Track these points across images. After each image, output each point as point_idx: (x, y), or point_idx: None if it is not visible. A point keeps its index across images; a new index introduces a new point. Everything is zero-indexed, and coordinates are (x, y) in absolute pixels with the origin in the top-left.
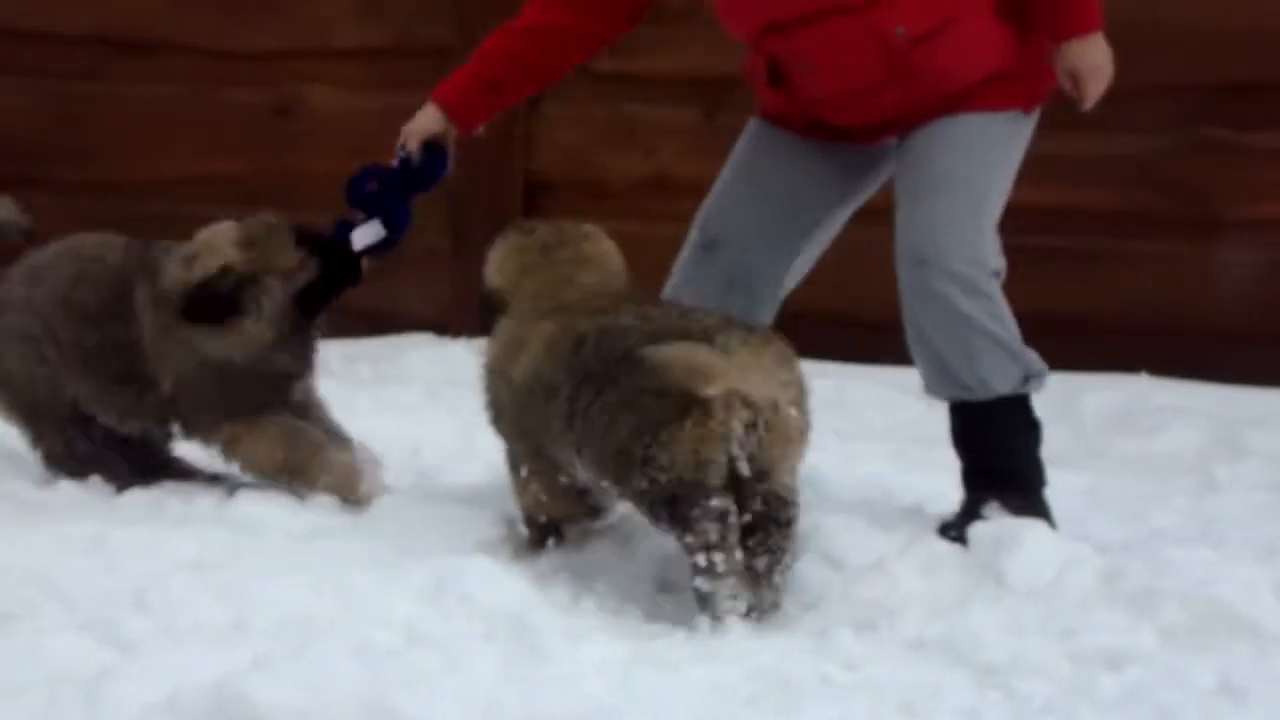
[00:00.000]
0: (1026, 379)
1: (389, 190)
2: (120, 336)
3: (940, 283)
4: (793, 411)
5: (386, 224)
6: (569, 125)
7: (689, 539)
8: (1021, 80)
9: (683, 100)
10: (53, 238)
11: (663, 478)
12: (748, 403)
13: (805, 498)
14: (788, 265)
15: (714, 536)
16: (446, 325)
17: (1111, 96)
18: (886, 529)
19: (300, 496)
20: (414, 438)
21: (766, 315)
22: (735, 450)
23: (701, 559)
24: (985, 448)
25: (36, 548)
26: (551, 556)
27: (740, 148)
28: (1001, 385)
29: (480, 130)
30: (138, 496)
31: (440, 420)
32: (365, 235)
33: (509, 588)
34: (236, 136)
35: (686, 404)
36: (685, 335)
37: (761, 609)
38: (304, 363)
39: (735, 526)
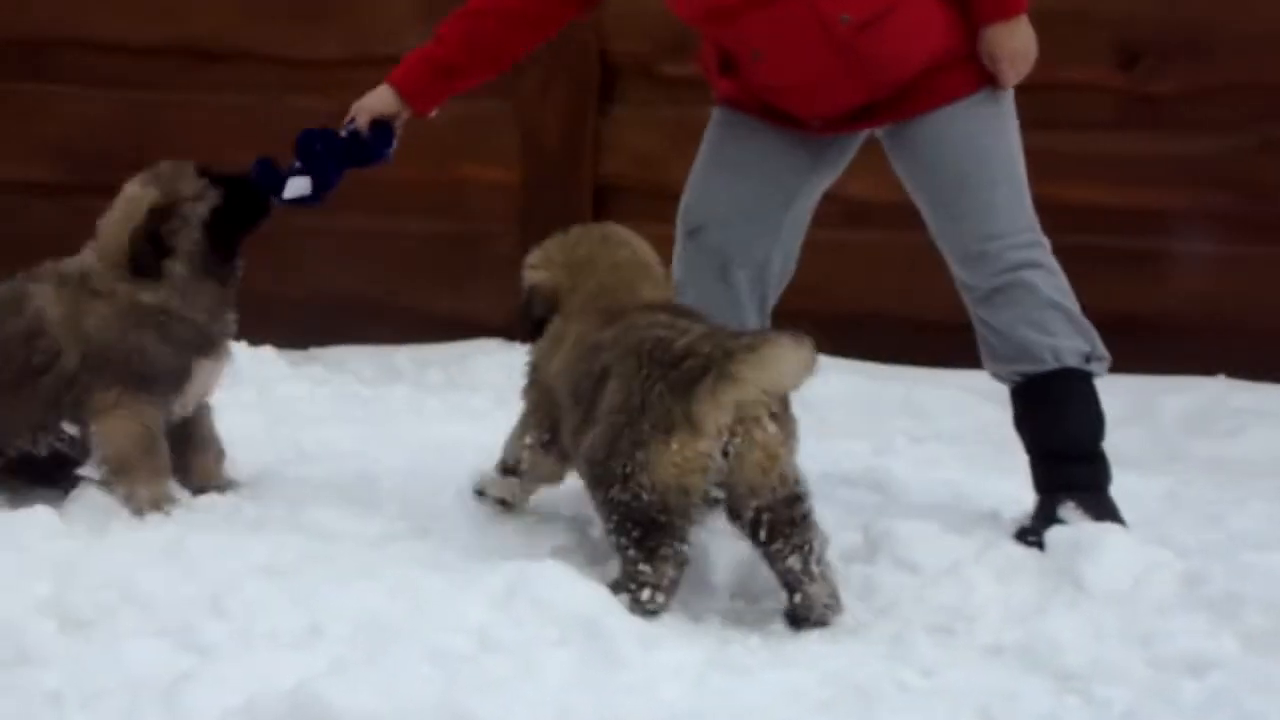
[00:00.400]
0: (1090, 357)
1: (330, 155)
2: (11, 331)
3: (1007, 267)
4: (771, 428)
5: (316, 183)
6: (638, 129)
7: (644, 569)
8: (975, 61)
9: None
10: None
11: (645, 495)
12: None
13: (875, 500)
14: (772, 241)
15: (666, 581)
16: (516, 331)
17: (1187, 97)
18: (961, 533)
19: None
20: (484, 443)
21: (762, 300)
22: (711, 477)
23: (645, 594)
24: (1052, 425)
25: (114, 553)
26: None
27: (707, 136)
28: (1071, 357)
29: (434, 113)
30: (212, 502)
31: (509, 425)
32: (295, 187)
33: (582, 592)
34: None
35: (672, 425)
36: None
37: (818, 610)
38: (220, 323)
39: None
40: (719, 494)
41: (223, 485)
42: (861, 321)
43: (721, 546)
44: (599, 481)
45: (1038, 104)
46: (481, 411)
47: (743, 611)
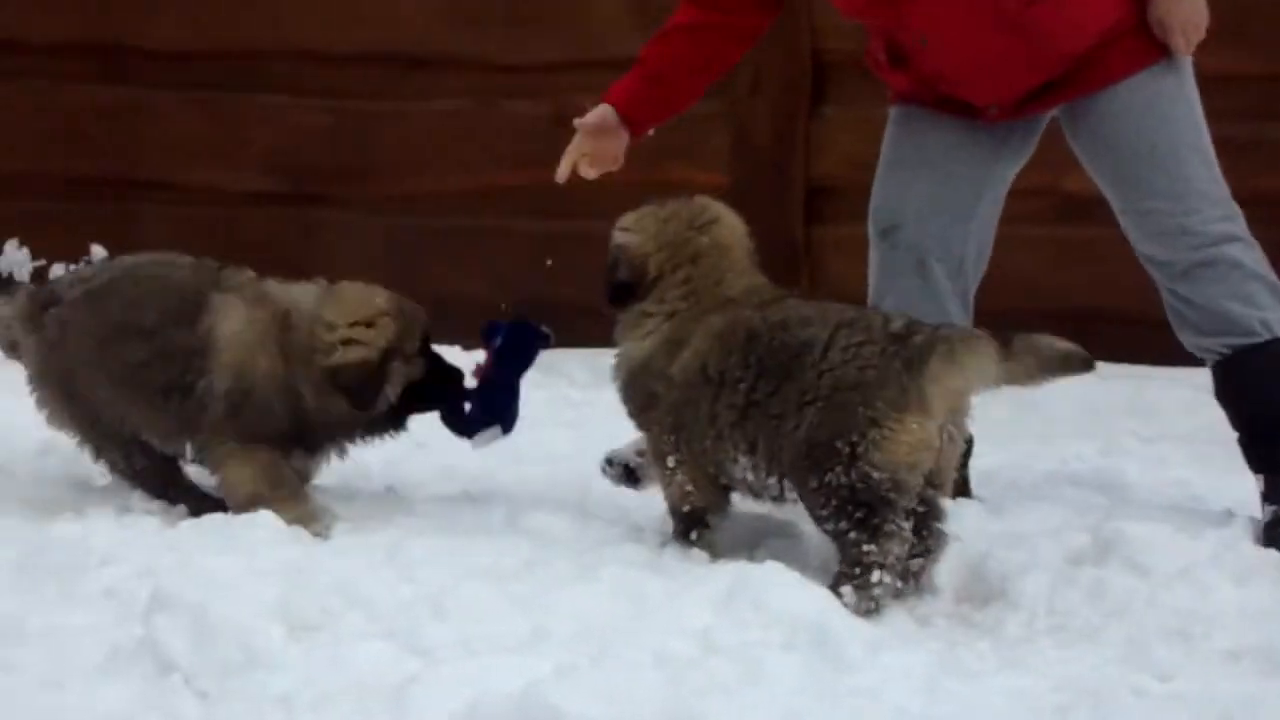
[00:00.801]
0: None
1: (498, 383)
2: (172, 346)
3: (1209, 241)
4: (964, 421)
5: (503, 420)
6: (851, 128)
7: (869, 549)
8: (1148, 31)
9: None
10: (346, 254)
11: (874, 475)
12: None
13: (1104, 501)
14: (965, 233)
15: (892, 559)
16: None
17: None
18: (1194, 535)
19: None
20: None
21: (963, 294)
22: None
23: (875, 575)
24: (1261, 397)
25: (337, 557)
26: None
27: (887, 136)
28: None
29: (650, 133)
30: (432, 507)
31: None
32: (485, 438)
33: (805, 595)
34: (517, 149)
35: (906, 404)
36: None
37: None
38: (351, 438)
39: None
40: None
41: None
42: (1087, 320)
43: (947, 547)
44: (814, 465)
45: (1264, 95)
46: None
47: (969, 615)
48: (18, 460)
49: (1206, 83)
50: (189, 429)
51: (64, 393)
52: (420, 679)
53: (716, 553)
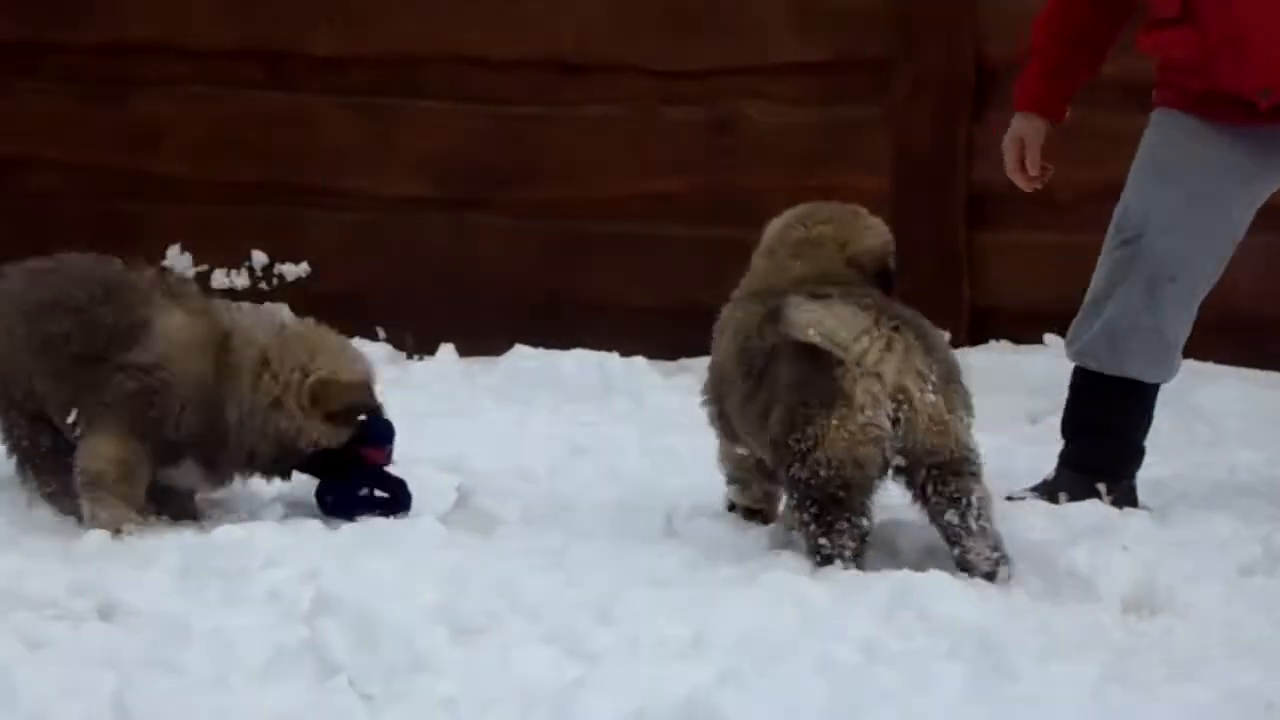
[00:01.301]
0: None
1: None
2: (98, 322)
3: None
4: (931, 397)
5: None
6: None
7: (821, 542)
8: None
9: (1132, 105)
10: (502, 260)
11: (822, 472)
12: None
13: (1274, 512)
14: (1207, 253)
15: (848, 553)
16: None
17: None
18: None
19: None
20: None
21: (1184, 314)
22: (886, 446)
23: (835, 565)
24: None
25: (499, 561)
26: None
27: (1145, 141)
28: None
29: (1067, 115)
30: (593, 511)
31: None
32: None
33: (971, 603)
34: (678, 154)
35: (832, 400)
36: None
37: (983, 564)
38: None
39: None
40: (901, 460)
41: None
42: (1258, 327)
43: (1110, 557)
44: (780, 459)
45: None
46: None
47: (1137, 625)
48: None
49: None
50: (84, 392)
51: None
52: (585, 684)
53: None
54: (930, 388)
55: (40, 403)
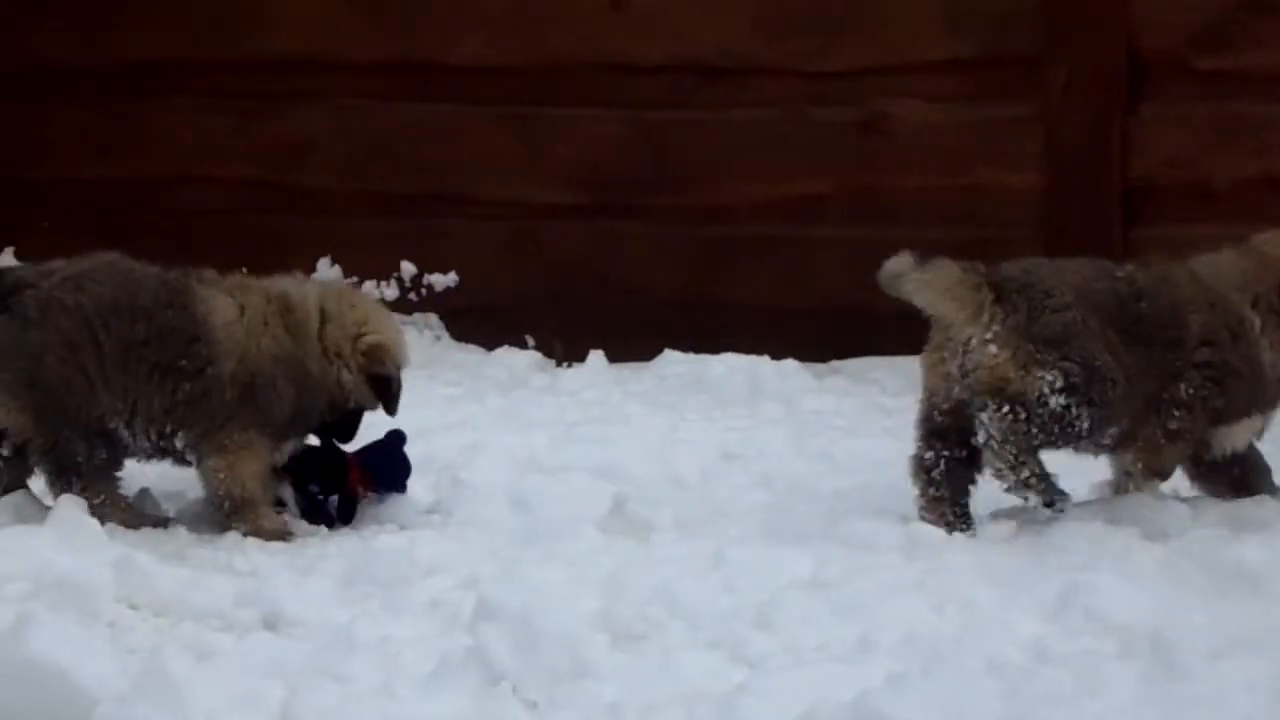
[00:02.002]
0: None
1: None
2: (168, 326)
3: None
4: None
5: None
6: (1168, 126)
7: None
8: None
9: None
10: (649, 265)
11: None
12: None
13: None
14: None
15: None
16: None
17: None
18: None
19: (222, 528)
20: None
21: None
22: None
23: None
24: None
25: (656, 567)
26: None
27: None
28: None
29: None
30: (750, 515)
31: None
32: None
33: (1140, 602)
34: (825, 156)
35: None
36: None
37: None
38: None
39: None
40: None
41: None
42: None
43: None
44: None
45: None
46: None
47: None
48: None
49: None
50: (183, 409)
51: (27, 377)
52: (749, 689)
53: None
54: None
55: (102, 416)
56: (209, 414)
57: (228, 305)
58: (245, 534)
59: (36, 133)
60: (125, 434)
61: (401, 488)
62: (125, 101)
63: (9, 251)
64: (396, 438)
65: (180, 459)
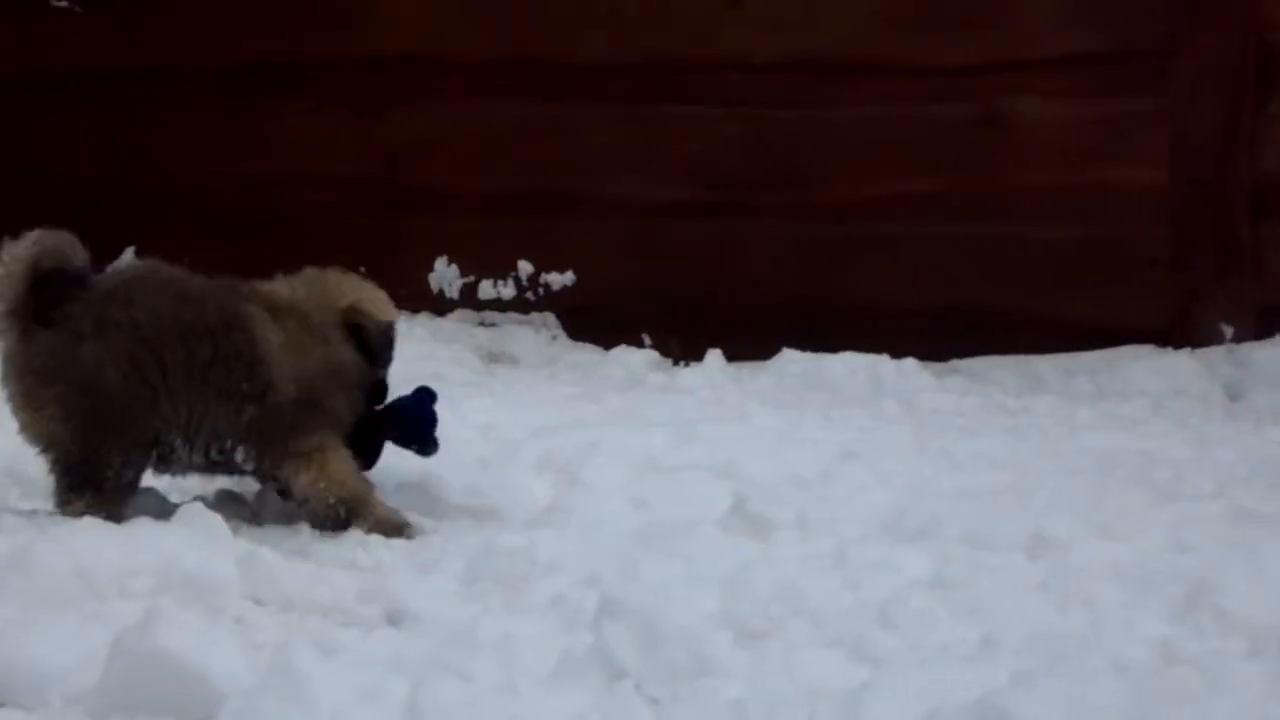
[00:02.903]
0: None
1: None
2: (231, 350)
3: None
4: None
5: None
6: None
7: None
8: None
9: None
10: (766, 262)
11: None
12: None
13: None
14: None
15: None
16: (1169, 336)
17: None
18: None
19: (341, 528)
20: (1146, 450)
21: None
22: None
23: None
24: None
25: (777, 565)
26: None
27: None
28: None
29: None
30: (869, 513)
31: (1170, 433)
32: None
33: (1270, 602)
34: (943, 153)
35: None
36: None
37: None
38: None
39: None
40: None
41: None
42: None
43: None
44: None
45: None
46: (1137, 419)
47: None
48: (458, 472)
49: None
50: (255, 432)
51: (79, 389)
52: (872, 687)
53: None
54: None
55: (157, 432)
56: (276, 435)
57: (275, 331)
58: (368, 531)
59: (155, 134)
60: (181, 449)
61: (427, 443)
62: (241, 103)
63: (128, 252)
64: (424, 394)
65: (235, 471)
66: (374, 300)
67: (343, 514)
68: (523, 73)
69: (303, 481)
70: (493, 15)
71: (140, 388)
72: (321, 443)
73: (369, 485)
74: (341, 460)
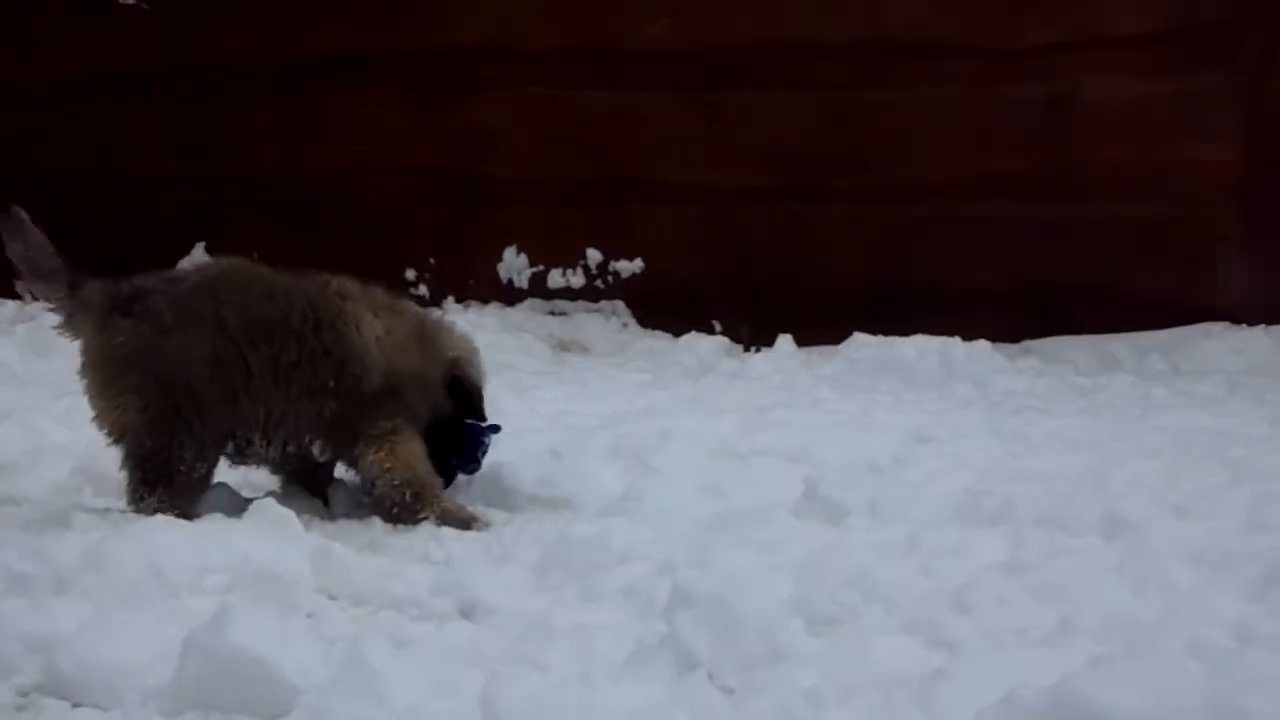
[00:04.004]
0: None
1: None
2: (319, 348)
3: None
4: None
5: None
6: None
7: None
8: None
9: None
10: (839, 246)
11: None
12: None
13: None
14: None
15: None
16: (1243, 313)
17: None
18: None
19: (407, 520)
20: (1223, 428)
21: None
22: None
23: None
24: None
25: (850, 552)
26: None
27: None
28: None
29: None
30: (942, 498)
31: (1246, 411)
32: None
33: None
34: (1014, 134)
35: None
36: None
37: None
38: None
39: None
40: None
41: None
42: None
43: None
44: None
45: None
46: (1213, 398)
47: None
48: (530, 462)
49: None
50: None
51: (159, 381)
52: (947, 673)
53: None
54: None
55: (235, 427)
56: (354, 422)
57: (375, 324)
58: (438, 522)
59: (225, 128)
60: (259, 444)
61: (466, 468)
62: (312, 95)
63: (199, 246)
64: (489, 428)
65: (310, 461)
66: (473, 361)
67: (408, 497)
68: (591, 62)
69: (371, 459)
70: (561, 6)
71: (222, 386)
72: (395, 426)
73: (434, 476)
74: (413, 445)
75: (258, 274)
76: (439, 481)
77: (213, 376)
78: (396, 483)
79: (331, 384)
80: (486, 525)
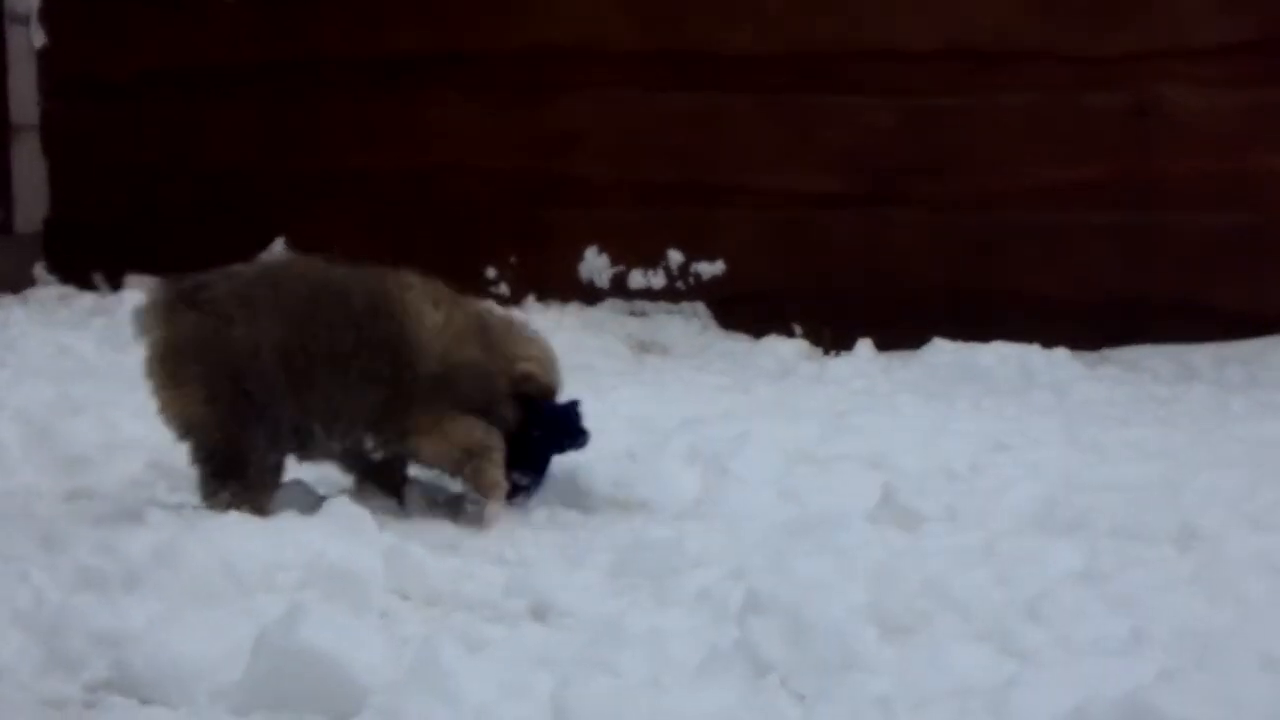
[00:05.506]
0: None
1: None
2: (376, 336)
3: None
4: None
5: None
6: None
7: None
8: None
9: None
10: (921, 253)
11: None
12: None
13: None
14: None
15: None
16: None
17: None
18: None
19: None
20: None
21: None
22: None
23: None
24: None
25: (925, 558)
26: None
27: None
28: None
29: None
30: (1019, 506)
31: None
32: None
33: None
34: (1096, 142)
35: None
36: None
37: None
38: None
39: None
40: None
41: None
42: None
43: None
44: None
45: None
46: None
47: None
48: (607, 463)
49: None
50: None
51: (226, 371)
52: (1020, 682)
53: None
54: None
55: (300, 419)
56: (404, 412)
57: (433, 314)
58: (473, 486)
59: (308, 124)
60: (320, 435)
61: (577, 443)
62: (394, 93)
63: (279, 241)
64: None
65: (367, 459)
66: (547, 371)
67: (470, 468)
68: (674, 64)
69: (428, 452)
70: (645, 7)
71: (287, 374)
72: (442, 413)
73: (489, 436)
74: (462, 422)
75: (316, 265)
76: (497, 445)
77: (277, 365)
78: (457, 456)
79: (387, 372)
80: (493, 521)
